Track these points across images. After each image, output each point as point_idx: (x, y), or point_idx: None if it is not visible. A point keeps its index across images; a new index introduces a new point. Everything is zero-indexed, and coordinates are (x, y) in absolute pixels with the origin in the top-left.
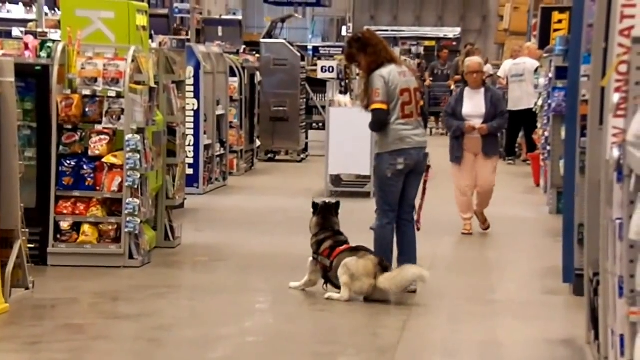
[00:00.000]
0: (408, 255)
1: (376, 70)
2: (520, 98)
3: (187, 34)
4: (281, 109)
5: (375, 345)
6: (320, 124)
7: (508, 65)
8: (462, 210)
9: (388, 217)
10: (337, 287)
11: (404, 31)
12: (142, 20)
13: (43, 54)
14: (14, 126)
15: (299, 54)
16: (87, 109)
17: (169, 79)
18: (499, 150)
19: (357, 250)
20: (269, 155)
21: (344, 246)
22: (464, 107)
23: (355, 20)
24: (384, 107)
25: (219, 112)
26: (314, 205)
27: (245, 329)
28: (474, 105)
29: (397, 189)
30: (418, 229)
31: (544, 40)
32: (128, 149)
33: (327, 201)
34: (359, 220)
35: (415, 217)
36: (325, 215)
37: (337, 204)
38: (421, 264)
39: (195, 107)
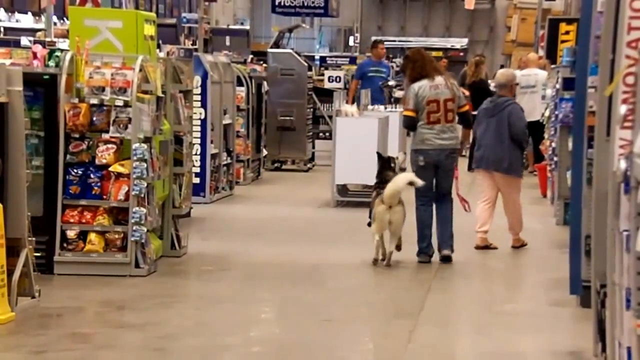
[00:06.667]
0: (441, 229)
1: (415, 81)
2: (533, 109)
3: (194, 44)
4: (288, 118)
5: (380, 356)
6: (327, 134)
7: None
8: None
9: (420, 200)
10: None
11: (411, 41)
12: (150, 29)
13: (51, 63)
14: (21, 135)
15: (306, 64)
16: (94, 118)
17: (177, 88)
18: None
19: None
20: (276, 165)
21: None
22: None
23: (363, 30)
24: (411, 114)
25: (226, 121)
26: (378, 155)
27: (251, 338)
28: None
29: (424, 180)
30: (469, 210)
31: (551, 51)
32: (135, 158)
33: (384, 156)
34: (366, 229)
35: (461, 203)
36: (381, 170)
37: (391, 159)
38: (429, 271)
39: (203, 116)
